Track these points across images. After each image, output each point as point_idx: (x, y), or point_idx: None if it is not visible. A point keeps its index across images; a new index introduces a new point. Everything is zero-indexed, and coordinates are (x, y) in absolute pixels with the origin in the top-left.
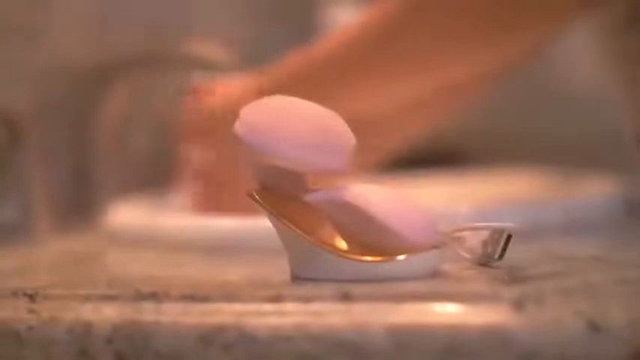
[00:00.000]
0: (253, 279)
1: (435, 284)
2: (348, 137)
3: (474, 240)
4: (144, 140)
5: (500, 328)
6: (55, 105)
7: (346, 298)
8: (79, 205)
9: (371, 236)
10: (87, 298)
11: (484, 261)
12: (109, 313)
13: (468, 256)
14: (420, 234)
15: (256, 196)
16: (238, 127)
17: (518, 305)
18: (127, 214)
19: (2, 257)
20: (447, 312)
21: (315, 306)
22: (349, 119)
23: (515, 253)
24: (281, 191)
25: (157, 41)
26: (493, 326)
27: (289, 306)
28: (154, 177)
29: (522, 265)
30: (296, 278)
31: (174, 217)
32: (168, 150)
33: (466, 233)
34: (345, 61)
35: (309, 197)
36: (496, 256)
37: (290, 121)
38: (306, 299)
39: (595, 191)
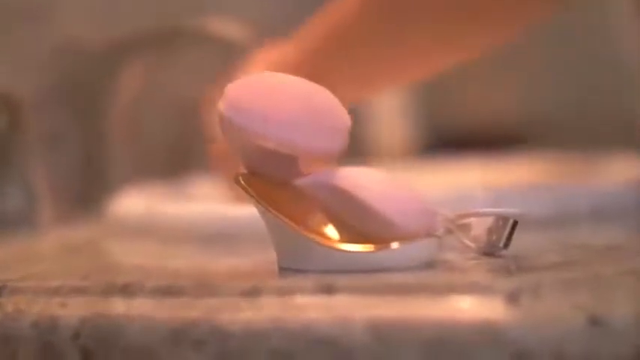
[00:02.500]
0: (238, 270)
1: (425, 275)
2: (343, 117)
3: (480, 227)
4: (160, 124)
5: (492, 323)
6: (62, 88)
7: (328, 290)
8: (90, 193)
9: (362, 223)
10: (55, 292)
11: (489, 250)
12: (76, 307)
13: (472, 244)
14: (414, 221)
15: (242, 181)
16: (222, 106)
17: (513, 298)
18: (131, 203)
19: None
20: (434, 305)
21: (294, 299)
22: None
23: (526, 241)
24: (270, 176)
25: (171, 18)
26: (484, 321)
27: (266, 299)
28: (172, 163)
29: (529, 255)
30: (283, 269)
31: (177, 205)
32: (186, 135)
33: (472, 220)
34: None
35: (298, 182)
36: (501, 244)
37: (279, 99)
38: (285, 292)
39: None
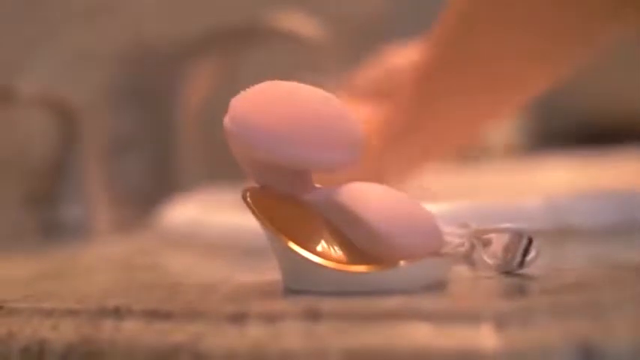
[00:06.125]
0: (242, 290)
1: (420, 299)
2: (355, 127)
3: (499, 243)
4: None
5: (476, 352)
6: (129, 90)
7: (313, 316)
8: (161, 198)
9: (366, 242)
10: (49, 314)
11: (505, 268)
12: (66, 330)
13: (490, 262)
14: (421, 240)
15: (248, 198)
16: (228, 120)
17: (502, 325)
18: (180, 212)
19: (28, 263)
20: (415, 333)
21: (278, 326)
22: None
23: (565, 255)
24: (280, 191)
25: (244, 14)
26: (468, 350)
27: (252, 325)
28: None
29: (546, 274)
30: (286, 290)
31: (221, 215)
32: None
33: (493, 235)
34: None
35: (307, 197)
36: (515, 263)
37: (285, 111)
38: (271, 318)
39: None
